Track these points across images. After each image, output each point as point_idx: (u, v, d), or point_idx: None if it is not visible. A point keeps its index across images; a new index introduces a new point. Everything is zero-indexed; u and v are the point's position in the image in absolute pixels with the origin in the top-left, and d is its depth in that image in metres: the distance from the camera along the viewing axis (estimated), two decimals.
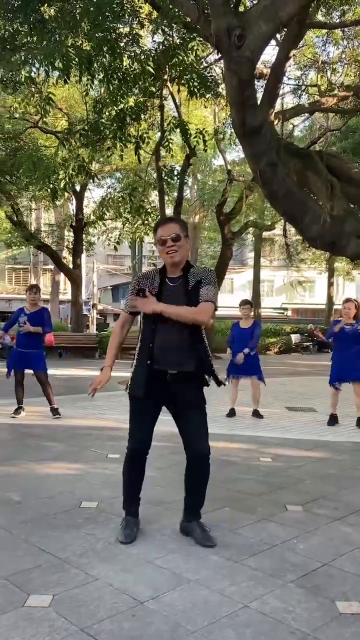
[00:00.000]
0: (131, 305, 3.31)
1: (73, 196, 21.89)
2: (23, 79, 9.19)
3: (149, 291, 3.24)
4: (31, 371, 7.52)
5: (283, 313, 43.19)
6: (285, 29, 6.81)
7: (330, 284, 31.47)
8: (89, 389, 3.47)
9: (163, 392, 3.29)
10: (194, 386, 3.33)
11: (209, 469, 3.36)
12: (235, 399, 7.89)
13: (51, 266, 33.60)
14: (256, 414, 7.75)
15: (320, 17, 10.95)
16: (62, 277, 32.87)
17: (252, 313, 8.34)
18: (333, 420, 7.30)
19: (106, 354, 3.55)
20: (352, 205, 7.54)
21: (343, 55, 13.88)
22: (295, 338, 24.69)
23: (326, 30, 12.41)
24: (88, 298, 41.30)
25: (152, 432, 3.41)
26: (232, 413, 7.74)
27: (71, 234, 23.61)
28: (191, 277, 3.26)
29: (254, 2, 10.70)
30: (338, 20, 11.44)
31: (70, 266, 22.79)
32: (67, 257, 25.62)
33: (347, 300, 7.57)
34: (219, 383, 3.39)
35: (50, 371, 7.72)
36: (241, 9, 8.28)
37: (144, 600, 2.60)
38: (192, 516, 3.39)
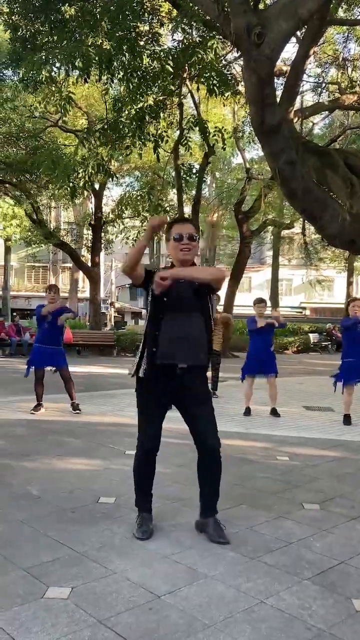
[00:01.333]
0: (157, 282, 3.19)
1: (92, 195, 22.02)
2: (43, 79, 9.30)
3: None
4: (50, 368, 7.61)
5: (301, 312, 42.97)
6: (306, 26, 6.79)
7: (349, 283, 31.23)
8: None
9: (172, 387, 3.31)
10: (202, 381, 3.40)
11: (220, 463, 3.36)
12: (251, 397, 7.88)
13: (70, 264, 33.87)
14: (274, 412, 7.71)
15: (341, 13, 10.87)
16: (80, 275, 33.08)
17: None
18: (348, 420, 7.28)
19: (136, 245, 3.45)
20: None
21: None
22: (313, 337, 24.57)
23: (347, 27, 12.31)
24: (106, 296, 41.54)
25: (161, 430, 3.45)
26: (248, 412, 7.73)
27: (90, 232, 23.76)
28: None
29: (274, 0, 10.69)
30: (359, 17, 11.35)
31: (89, 264, 22.94)
32: (85, 256, 25.79)
33: (355, 299, 7.52)
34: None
35: (69, 368, 7.77)
36: (261, 6, 8.27)
37: (161, 594, 2.63)
38: (208, 512, 3.40)
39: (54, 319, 7.53)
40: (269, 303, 26.77)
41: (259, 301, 8.00)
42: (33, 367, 7.57)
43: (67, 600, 2.56)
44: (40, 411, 7.51)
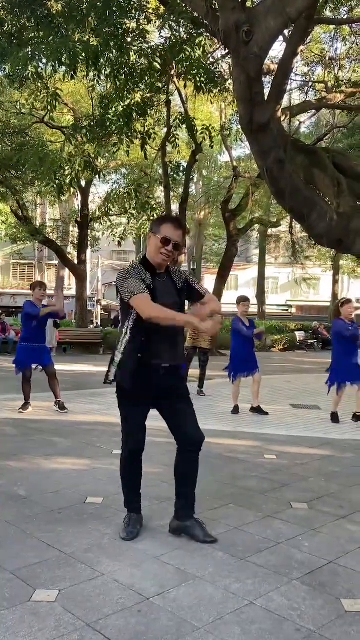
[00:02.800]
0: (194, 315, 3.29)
1: (78, 192, 21.89)
2: (30, 75, 9.20)
3: (150, 286, 3.21)
4: (35, 365, 7.57)
5: (287, 310, 43.13)
6: (293, 25, 6.79)
7: (335, 282, 31.40)
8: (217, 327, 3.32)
9: (155, 387, 3.28)
10: (181, 379, 3.42)
11: (197, 463, 3.34)
12: (238, 395, 7.89)
13: (56, 261, 33.64)
14: (258, 410, 7.68)
15: (328, 12, 10.89)
16: (66, 272, 32.91)
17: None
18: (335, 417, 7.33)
19: (172, 315, 3.17)
20: (359, 203, 7.53)
21: (351, 52, 13.83)
22: (299, 335, 24.67)
23: (334, 26, 12.34)
24: (92, 294, 41.33)
25: (145, 430, 3.44)
26: (236, 410, 7.74)
27: (76, 229, 23.62)
28: (176, 277, 3.35)
29: None
30: (346, 16, 11.38)
31: (75, 262, 22.81)
32: (72, 253, 25.64)
33: (348, 301, 7.49)
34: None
35: (55, 366, 7.72)
36: (248, 4, 8.26)
37: (149, 596, 2.61)
38: (189, 513, 3.34)
39: (44, 319, 7.51)
40: (254, 301, 26.72)
41: (243, 299, 7.94)
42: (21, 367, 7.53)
43: (55, 603, 2.53)
44: (28, 410, 7.45)
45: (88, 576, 2.79)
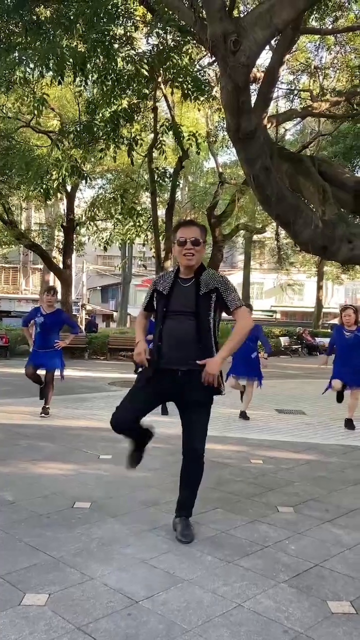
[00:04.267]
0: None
1: (64, 196, 21.85)
2: (17, 79, 9.21)
3: (163, 291, 3.38)
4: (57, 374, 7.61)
5: (272, 316, 43.37)
6: (280, 35, 6.88)
7: (319, 288, 31.68)
8: (142, 362, 3.39)
9: (172, 387, 3.33)
10: (201, 385, 3.27)
11: (201, 469, 3.42)
12: (238, 387, 7.94)
13: (41, 266, 33.52)
14: (243, 415, 7.74)
15: (313, 22, 11.04)
16: (51, 276, 32.77)
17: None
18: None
19: (136, 332, 3.62)
20: (343, 210, 7.64)
21: (335, 61, 14.01)
22: (284, 341, 24.79)
23: (319, 36, 12.51)
24: (77, 298, 41.19)
25: (139, 416, 3.41)
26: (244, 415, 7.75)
27: (62, 233, 23.55)
28: (203, 283, 3.33)
29: (248, 6, 10.79)
30: (331, 26, 11.55)
31: (60, 266, 22.75)
32: (57, 257, 25.57)
33: (346, 308, 7.56)
34: (219, 391, 3.40)
35: (41, 371, 7.71)
36: (235, 13, 8.35)
37: (139, 599, 2.63)
38: (181, 512, 3.47)
39: (50, 325, 7.47)
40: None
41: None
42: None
43: (45, 606, 2.54)
44: (47, 409, 7.48)
45: (77, 580, 2.81)
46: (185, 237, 3.32)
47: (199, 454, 3.37)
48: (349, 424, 7.24)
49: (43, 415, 7.40)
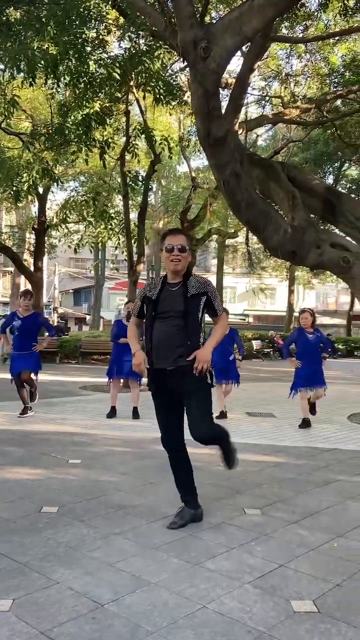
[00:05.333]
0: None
1: (36, 198, 21.68)
2: None
3: (152, 297, 3.61)
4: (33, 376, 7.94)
5: (245, 319, 43.67)
6: (250, 42, 6.97)
7: (290, 292, 32.01)
8: (142, 373, 3.65)
9: (170, 387, 3.57)
10: (193, 378, 3.47)
11: (217, 440, 3.76)
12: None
13: (11, 268, 33.11)
14: (223, 415, 8.09)
15: (284, 30, 11.20)
16: (22, 279, 32.45)
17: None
18: (306, 423, 7.57)
19: (130, 342, 3.80)
20: (312, 216, 7.76)
21: (306, 69, 14.22)
22: (256, 344, 25.00)
23: (290, 44, 12.68)
24: (49, 301, 40.87)
25: (177, 425, 3.67)
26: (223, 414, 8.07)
27: (33, 236, 23.35)
28: (191, 286, 3.58)
29: (220, 13, 10.90)
30: (301, 35, 11.73)
31: (32, 269, 22.54)
32: (28, 260, 25.33)
33: (304, 311, 7.93)
34: (211, 384, 3.64)
35: (7, 375, 7.82)
36: (207, 19, 8.43)
37: (104, 602, 2.63)
38: (188, 500, 3.77)
39: (27, 327, 7.75)
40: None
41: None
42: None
43: (9, 612, 2.53)
44: (28, 414, 7.75)
45: (43, 585, 2.80)
46: (173, 244, 3.56)
47: (201, 438, 3.55)
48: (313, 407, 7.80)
49: (22, 415, 7.70)
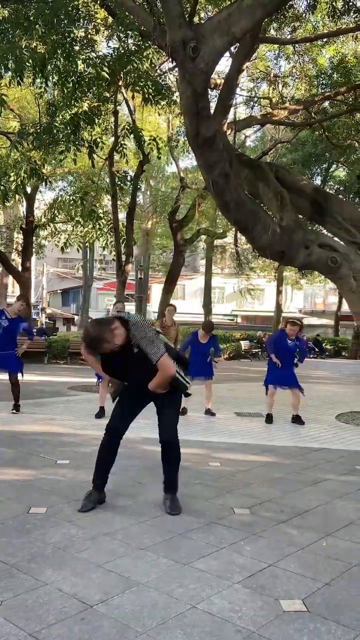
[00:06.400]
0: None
1: (24, 198, 21.55)
2: None
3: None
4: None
5: (233, 320, 43.74)
6: (239, 43, 6.99)
7: (279, 292, 32.09)
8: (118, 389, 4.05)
9: (146, 392, 3.91)
10: (166, 394, 3.94)
11: (176, 452, 4.02)
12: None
13: None
14: (209, 412, 8.38)
15: (272, 31, 11.24)
16: (10, 279, 32.26)
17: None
18: (270, 418, 7.95)
19: (98, 370, 4.15)
20: (301, 217, 7.79)
21: (294, 70, 14.28)
22: (244, 344, 25.05)
23: (278, 45, 12.73)
24: (37, 301, 40.67)
25: (132, 418, 4.07)
26: (184, 411, 8.15)
27: (21, 236, 23.21)
28: (133, 345, 3.72)
29: (209, 13, 10.91)
30: (289, 36, 11.77)
31: (19, 269, 22.40)
32: (16, 260, 25.18)
33: (294, 324, 8.18)
34: (187, 394, 4.12)
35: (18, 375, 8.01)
36: (196, 19, 8.43)
37: (93, 603, 2.62)
38: (166, 490, 4.06)
39: (12, 328, 7.96)
40: (201, 310, 26.84)
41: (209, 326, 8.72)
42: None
43: None
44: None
45: (31, 586, 2.78)
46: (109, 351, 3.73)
47: (171, 441, 3.98)
48: (297, 419, 7.88)
49: (14, 411, 7.93)
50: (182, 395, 4.09)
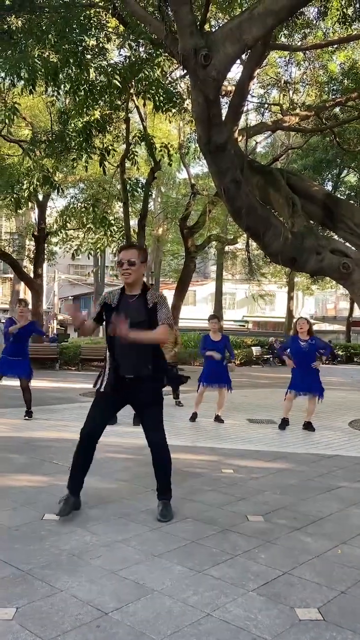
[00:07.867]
0: (113, 321, 3.66)
1: (36, 205, 21.71)
2: None
3: (112, 304, 3.86)
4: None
5: (244, 326, 43.68)
6: (250, 50, 7.01)
7: (290, 298, 32.00)
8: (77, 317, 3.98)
9: (125, 392, 3.89)
10: (149, 387, 3.87)
11: (165, 455, 3.97)
12: (200, 403, 8.33)
13: (11, 275, 33.16)
14: (218, 419, 8.22)
15: (283, 38, 11.26)
16: (22, 286, 32.46)
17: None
18: (285, 423, 7.85)
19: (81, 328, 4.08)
20: (312, 222, 7.78)
21: (304, 76, 14.29)
22: (256, 350, 24.98)
23: (289, 52, 12.74)
24: (49, 308, 40.86)
25: (106, 423, 4.06)
26: (194, 417, 8.15)
27: (33, 243, 23.36)
28: (150, 298, 3.82)
29: (220, 22, 10.96)
30: (300, 43, 11.79)
31: (31, 275, 22.53)
32: (27, 266, 25.34)
33: (299, 318, 8.11)
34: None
35: (10, 382, 7.86)
36: (207, 27, 8.47)
37: (108, 611, 2.62)
38: (159, 495, 4.00)
39: (21, 334, 8.05)
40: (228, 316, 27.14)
41: (212, 317, 8.67)
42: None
43: (12, 621, 2.51)
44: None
45: (46, 593, 2.79)
46: (123, 258, 3.80)
47: (159, 443, 3.92)
48: (309, 426, 7.79)
49: (26, 418, 7.96)
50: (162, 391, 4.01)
